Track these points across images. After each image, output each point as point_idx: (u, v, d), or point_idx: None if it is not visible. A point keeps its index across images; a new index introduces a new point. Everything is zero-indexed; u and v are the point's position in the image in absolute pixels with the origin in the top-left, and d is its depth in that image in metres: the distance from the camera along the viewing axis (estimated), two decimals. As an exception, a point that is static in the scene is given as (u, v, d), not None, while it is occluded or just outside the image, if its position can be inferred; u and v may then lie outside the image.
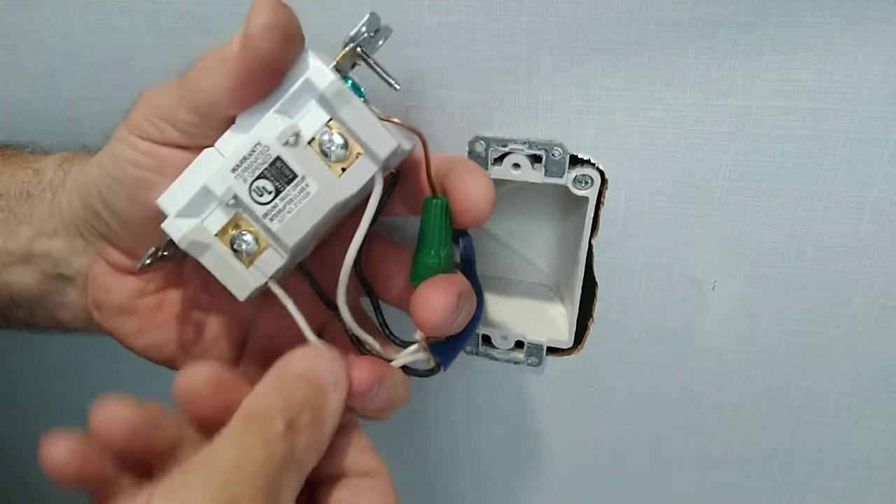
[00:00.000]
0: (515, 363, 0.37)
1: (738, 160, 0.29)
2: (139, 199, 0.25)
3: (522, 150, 0.30)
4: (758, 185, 0.29)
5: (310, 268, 0.27)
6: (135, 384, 0.43)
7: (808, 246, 0.30)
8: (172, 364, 0.29)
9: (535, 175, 0.31)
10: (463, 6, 0.28)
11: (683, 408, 0.36)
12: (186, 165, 0.24)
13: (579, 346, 0.36)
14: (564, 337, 0.35)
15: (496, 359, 0.37)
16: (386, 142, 0.23)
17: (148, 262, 0.26)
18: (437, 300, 0.24)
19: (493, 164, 0.31)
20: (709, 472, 0.38)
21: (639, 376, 0.36)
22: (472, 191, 0.25)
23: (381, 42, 0.25)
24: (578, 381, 0.37)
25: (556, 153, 0.30)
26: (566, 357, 0.36)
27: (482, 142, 0.31)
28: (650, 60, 0.27)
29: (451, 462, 0.43)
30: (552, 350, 0.36)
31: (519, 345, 0.36)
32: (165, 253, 0.26)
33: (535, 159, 0.31)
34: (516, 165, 0.31)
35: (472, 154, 0.31)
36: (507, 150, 0.31)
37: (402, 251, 0.29)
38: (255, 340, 0.30)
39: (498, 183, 0.34)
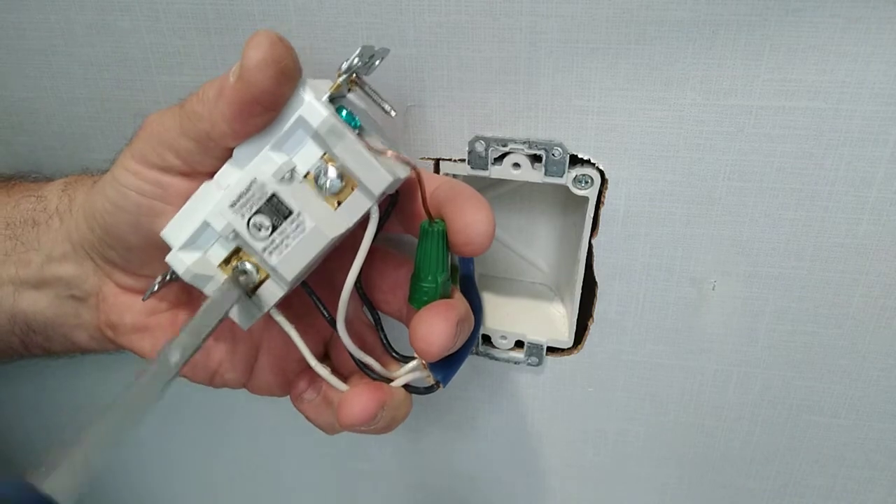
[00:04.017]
0: (515, 363, 0.37)
1: (738, 160, 0.29)
2: (143, 226, 0.25)
3: (522, 149, 0.30)
4: (758, 185, 0.29)
5: (312, 284, 0.28)
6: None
7: (808, 246, 0.30)
8: (190, 378, 0.29)
9: (535, 175, 0.31)
10: (463, 6, 0.28)
11: (683, 408, 0.36)
12: (189, 193, 0.24)
13: (579, 346, 0.36)
14: (564, 337, 0.35)
15: (496, 358, 0.37)
16: (380, 177, 0.23)
17: (156, 288, 0.26)
18: (436, 331, 0.24)
19: (493, 164, 0.31)
20: (709, 472, 0.38)
21: (639, 376, 0.36)
22: (471, 223, 0.24)
23: (377, 63, 0.25)
24: (578, 381, 0.37)
25: (556, 153, 0.30)
26: (566, 357, 0.36)
27: (482, 142, 0.31)
28: (650, 60, 0.27)
29: (451, 462, 0.43)
30: (552, 350, 0.36)
31: (519, 345, 0.36)
32: (172, 278, 0.26)
33: (535, 159, 0.31)
34: (516, 165, 0.31)
35: (472, 154, 0.31)
36: (507, 149, 0.31)
37: (401, 265, 0.29)
38: (265, 354, 0.30)
39: (498, 183, 0.34)
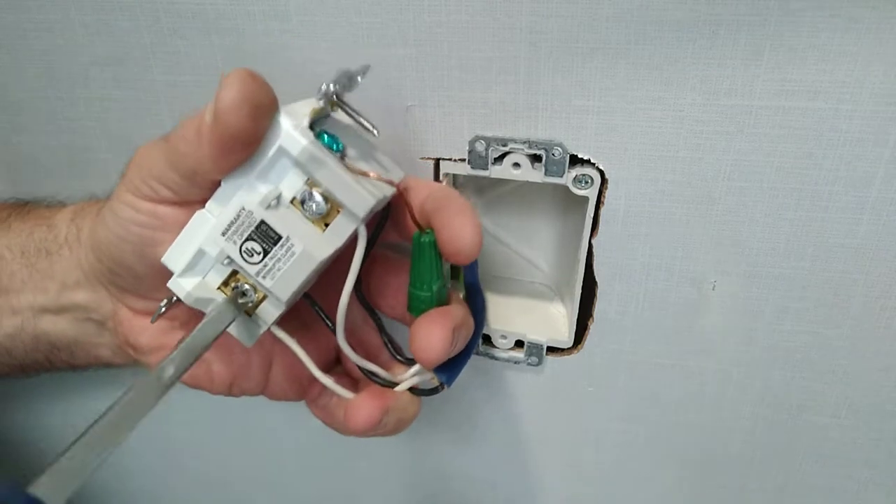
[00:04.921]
0: (515, 363, 0.37)
1: (738, 160, 0.29)
2: (147, 255, 0.26)
3: (522, 149, 0.30)
4: (758, 185, 0.29)
5: (316, 293, 0.28)
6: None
7: (808, 246, 0.30)
8: (208, 390, 0.30)
9: (535, 175, 0.31)
10: (463, 6, 0.28)
11: (683, 408, 0.36)
12: (185, 220, 0.25)
13: (579, 346, 0.36)
14: (564, 337, 0.35)
15: (496, 358, 0.37)
16: (363, 200, 0.24)
17: (162, 311, 0.27)
18: (433, 339, 0.25)
19: (493, 163, 0.31)
20: (709, 472, 0.38)
21: (639, 376, 0.36)
22: (458, 235, 0.25)
23: (359, 79, 0.25)
24: (578, 381, 0.37)
25: (556, 153, 0.30)
26: (566, 357, 0.36)
27: (482, 142, 0.31)
28: (650, 60, 0.27)
29: (450, 462, 0.43)
30: (552, 350, 0.36)
31: (519, 344, 0.36)
32: (177, 300, 0.27)
33: (535, 159, 0.31)
34: (516, 165, 0.31)
35: (472, 154, 0.31)
36: (507, 149, 0.31)
37: (403, 269, 0.30)
38: (278, 363, 0.31)
39: (498, 183, 0.34)
